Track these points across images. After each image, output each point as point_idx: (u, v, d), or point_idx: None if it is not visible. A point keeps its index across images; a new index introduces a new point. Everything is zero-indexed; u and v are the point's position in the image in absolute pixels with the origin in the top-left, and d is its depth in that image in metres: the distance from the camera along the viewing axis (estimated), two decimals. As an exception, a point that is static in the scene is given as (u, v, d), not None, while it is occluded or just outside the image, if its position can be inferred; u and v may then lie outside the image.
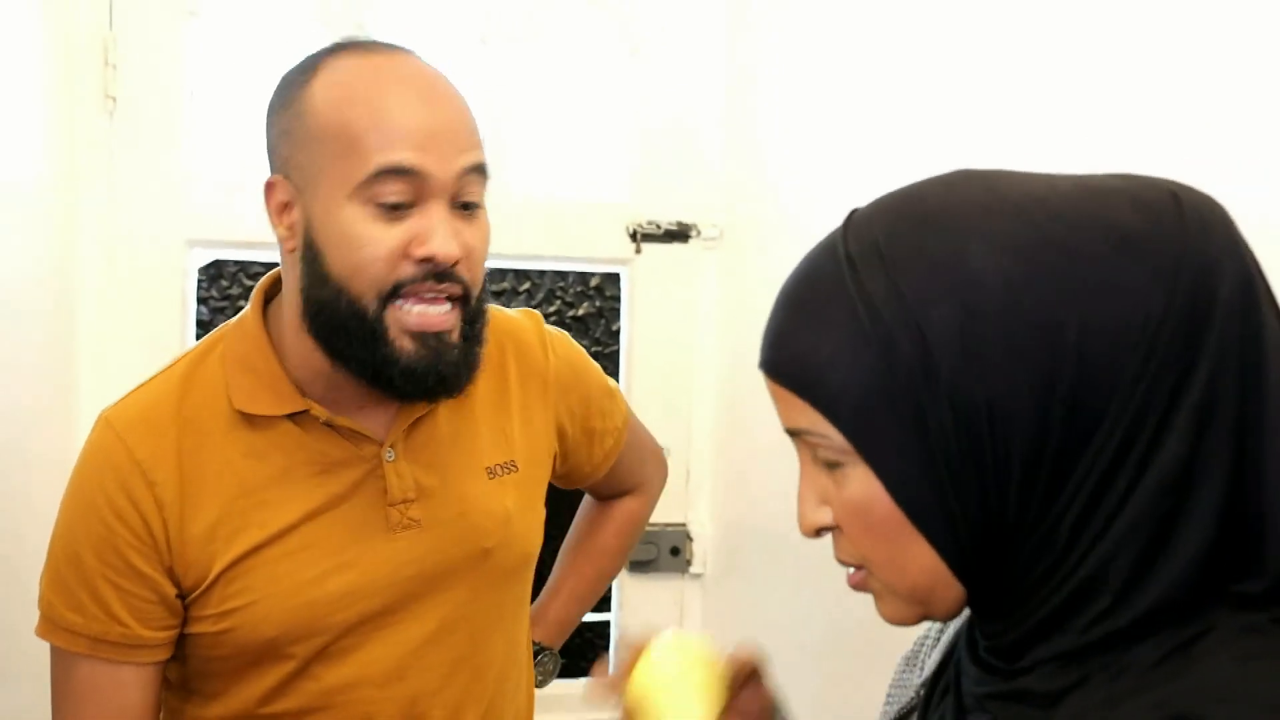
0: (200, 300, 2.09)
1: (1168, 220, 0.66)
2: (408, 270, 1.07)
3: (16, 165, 1.73)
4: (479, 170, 1.10)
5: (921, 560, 0.70)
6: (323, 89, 1.08)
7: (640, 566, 2.25)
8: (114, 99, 1.98)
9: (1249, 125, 1.23)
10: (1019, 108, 1.57)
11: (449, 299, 1.10)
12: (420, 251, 1.06)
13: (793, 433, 0.73)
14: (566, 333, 1.38)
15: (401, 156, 1.05)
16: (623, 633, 2.27)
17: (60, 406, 1.90)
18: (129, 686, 1.14)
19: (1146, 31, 1.38)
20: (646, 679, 0.89)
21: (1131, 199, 0.67)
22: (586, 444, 1.38)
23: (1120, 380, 0.64)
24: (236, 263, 2.14)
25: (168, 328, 2.00)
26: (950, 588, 0.70)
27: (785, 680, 2.14)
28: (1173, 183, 0.69)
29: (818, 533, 0.75)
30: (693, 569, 2.26)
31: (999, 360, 0.64)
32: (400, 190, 1.05)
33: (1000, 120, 1.60)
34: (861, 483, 0.70)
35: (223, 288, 2.14)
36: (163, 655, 1.16)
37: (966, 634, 0.77)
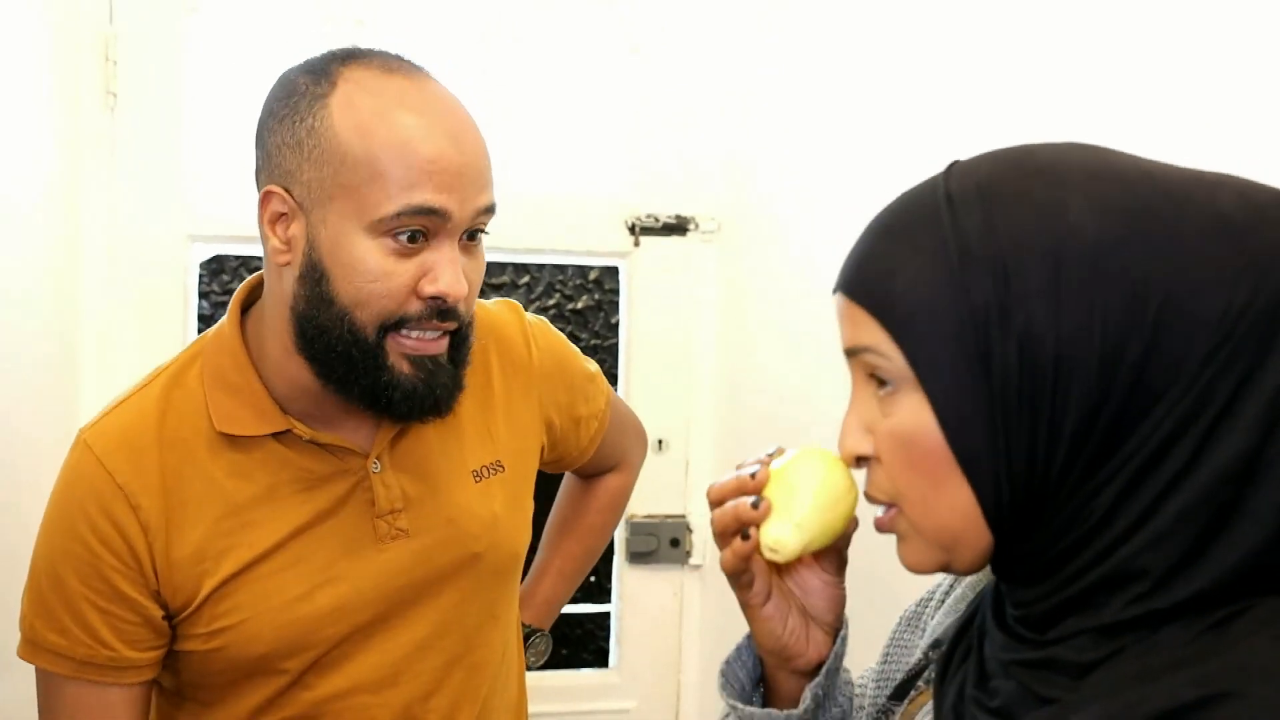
0: (202, 295, 2.10)
1: (1270, 216, 0.66)
2: (414, 307, 1.06)
3: (19, 162, 1.74)
4: (491, 209, 1.10)
5: (957, 501, 0.69)
6: (343, 108, 1.04)
7: (640, 558, 2.26)
8: (115, 95, 1.99)
9: (1256, 126, 1.24)
10: (1015, 107, 1.58)
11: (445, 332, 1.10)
12: (430, 289, 1.05)
13: (851, 352, 0.73)
14: (544, 319, 1.37)
15: (426, 197, 1.03)
16: (623, 623, 2.29)
17: (63, 400, 1.91)
18: (116, 706, 1.13)
19: (1142, 31, 1.38)
20: (796, 472, 0.84)
21: (1239, 192, 0.67)
22: (574, 431, 1.37)
23: (1189, 360, 0.64)
24: (238, 257, 2.15)
25: (170, 322, 2.01)
26: (979, 536, 0.70)
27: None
28: None
29: (856, 461, 0.75)
30: (692, 560, 2.28)
31: (1077, 314, 0.65)
32: (420, 224, 1.04)
33: (997, 119, 1.61)
34: (911, 411, 0.69)
35: (224, 282, 2.15)
36: (150, 675, 1.15)
37: (992, 599, 0.76)
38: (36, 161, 1.81)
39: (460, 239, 1.07)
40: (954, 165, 0.73)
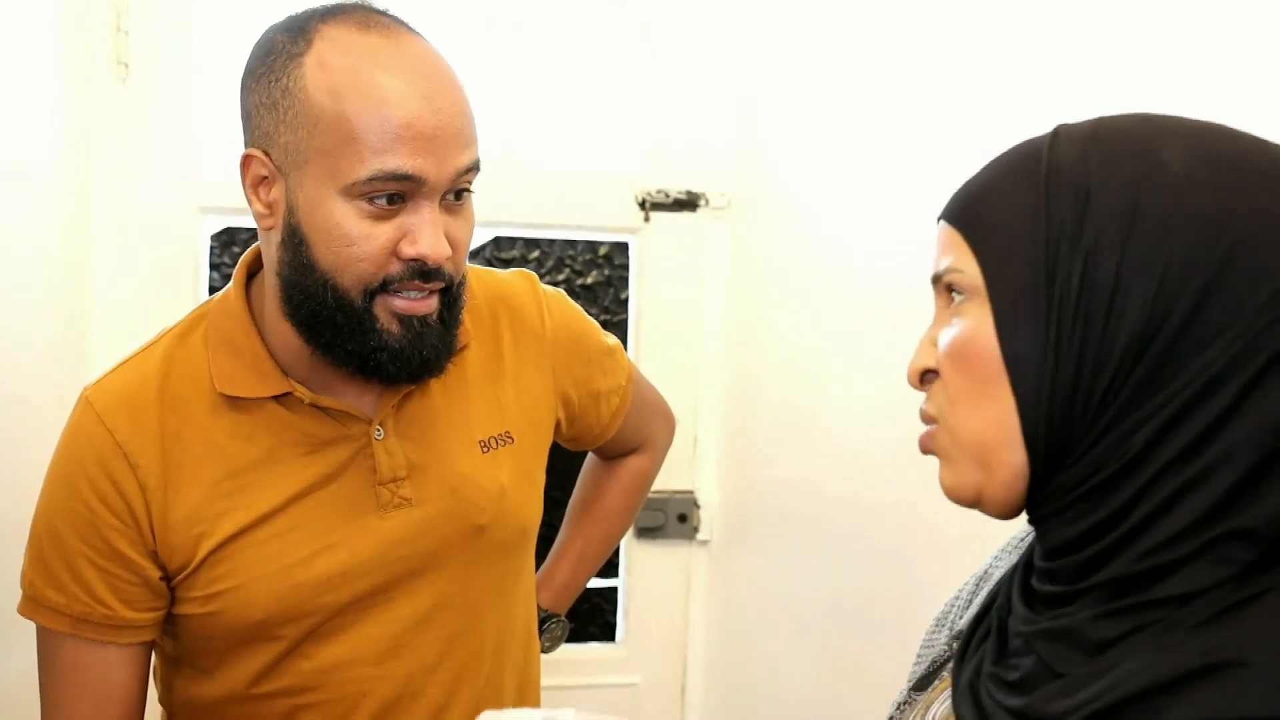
0: (212, 267, 2.11)
1: None
2: (395, 269, 1.04)
3: (30, 132, 1.74)
4: (474, 168, 1.07)
5: (998, 409, 0.71)
6: (316, 69, 1.02)
7: (647, 533, 2.27)
8: (126, 65, 1.99)
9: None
10: (1028, 82, 1.57)
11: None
12: (410, 251, 1.03)
13: (936, 278, 0.76)
14: (562, 291, 1.35)
15: (399, 163, 1.01)
16: (630, 599, 2.30)
17: (73, 372, 1.92)
18: (114, 666, 1.13)
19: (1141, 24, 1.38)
20: None
21: None
22: (593, 406, 1.35)
23: (1252, 302, 0.65)
24: (248, 230, 2.15)
25: (180, 294, 2.02)
26: (1013, 451, 0.71)
27: (788, 645, 2.17)
28: None
29: (921, 379, 0.77)
30: (700, 536, 2.28)
31: (1150, 232, 0.67)
32: (394, 189, 1.02)
33: (1006, 97, 1.60)
34: (974, 317, 0.72)
35: (235, 254, 2.15)
36: (148, 636, 1.15)
37: (1021, 576, 0.77)
38: (48, 132, 1.81)
39: (445, 198, 1.05)
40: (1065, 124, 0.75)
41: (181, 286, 2.03)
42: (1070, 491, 0.70)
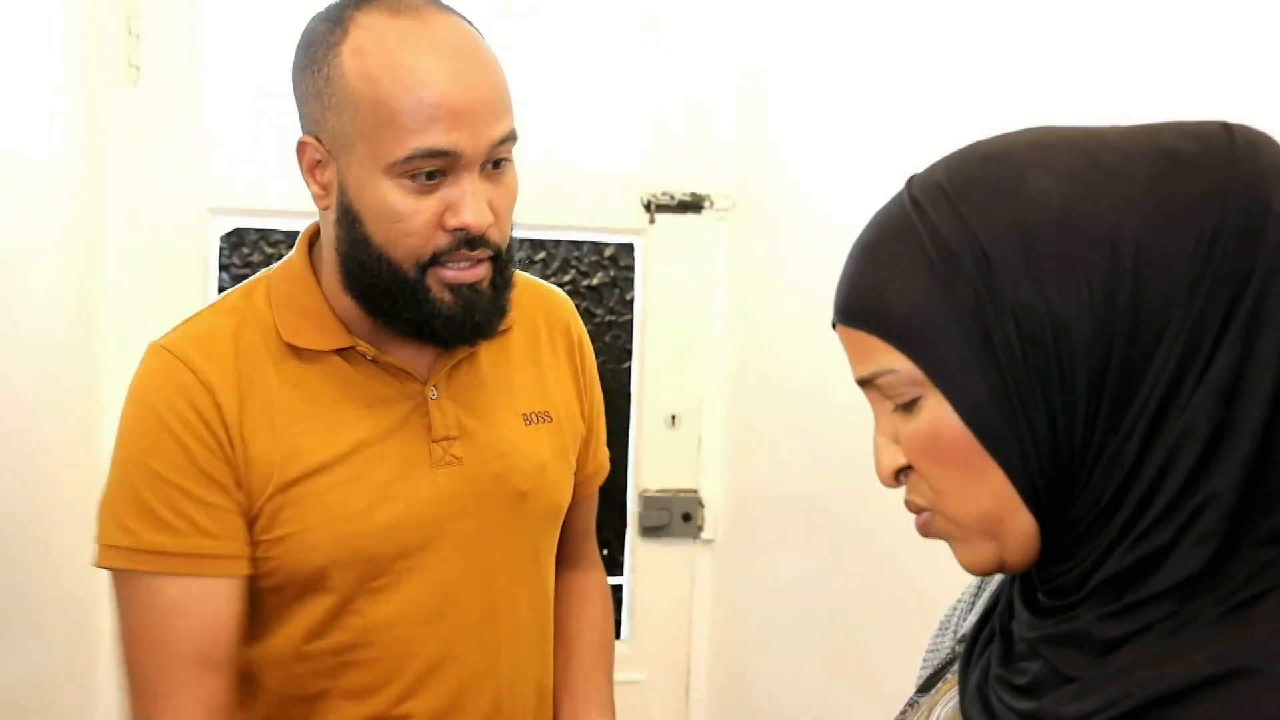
0: (222, 268, 2.12)
1: (1217, 143, 0.68)
2: (443, 240, 1.11)
3: (41, 135, 1.75)
4: (509, 138, 1.13)
5: (991, 485, 0.70)
6: (352, 56, 1.08)
7: (652, 532, 2.29)
8: (137, 68, 2.01)
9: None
10: (1018, 86, 1.58)
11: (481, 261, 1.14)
12: (454, 221, 1.10)
13: (864, 382, 0.74)
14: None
15: (435, 140, 1.07)
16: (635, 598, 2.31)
17: (84, 373, 1.93)
18: (222, 602, 1.13)
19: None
20: None
21: (1180, 130, 0.69)
22: (586, 447, 1.38)
23: (1178, 296, 0.65)
24: (258, 231, 2.17)
25: (190, 295, 2.03)
26: (1019, 515, 0.71)
27: (792, 643, 2.18)
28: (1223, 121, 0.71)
29: (896, 477, 0.76)
30: (704, 534, 2.30)
31: (1059, 273, 0.66)
32: (434, 165, 1.08)
33: (1005, 99, 1.61)
34: (929, 411, 0.71)
35: (244, 255, 2.17)
36: (248, 570, 1.15)
37: (1021, 579, 0.77)
38: (59, 134, 1.83)
39: (484, 168, 1.11)
40: (912, 177, 0.75)
41: (191, 287, 2.04)
42: (1081, 522, 0.70)
